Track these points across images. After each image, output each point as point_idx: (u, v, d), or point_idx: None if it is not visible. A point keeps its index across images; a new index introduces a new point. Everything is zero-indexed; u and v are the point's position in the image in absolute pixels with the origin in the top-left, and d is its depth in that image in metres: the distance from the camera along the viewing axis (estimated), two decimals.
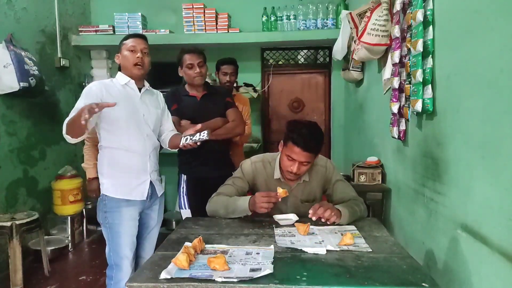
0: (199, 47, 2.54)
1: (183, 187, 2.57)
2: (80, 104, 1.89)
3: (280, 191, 1.76)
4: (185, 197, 2.56)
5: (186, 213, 2.54)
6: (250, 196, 1.83)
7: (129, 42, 2.04)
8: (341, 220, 1.73)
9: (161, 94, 2.29)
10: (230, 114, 2.53)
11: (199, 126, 2.00)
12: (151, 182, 2.08)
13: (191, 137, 1.97)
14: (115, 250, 2.00)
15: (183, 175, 2.57)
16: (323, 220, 1.71)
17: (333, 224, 1.73)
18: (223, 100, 2.56)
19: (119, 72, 2.10)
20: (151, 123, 2.09)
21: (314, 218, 1.70)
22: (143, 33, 4.07)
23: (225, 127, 2.48)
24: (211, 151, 2.41)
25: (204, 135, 1.94)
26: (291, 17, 4.15)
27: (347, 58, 3.51)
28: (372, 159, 2.77)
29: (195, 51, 2.44)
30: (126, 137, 2.00)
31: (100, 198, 2.05)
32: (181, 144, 1.99)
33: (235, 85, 3.40)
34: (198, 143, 1.98)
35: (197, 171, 2.45)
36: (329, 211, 1.69)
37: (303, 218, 1.79)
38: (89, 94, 1.94)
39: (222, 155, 2.53)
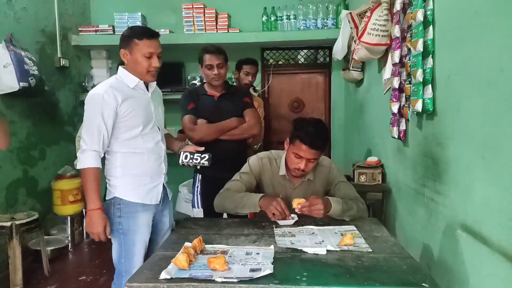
0: (220, 46, 2.47)
1: (197, 186, 2.57)
2: (98, 122, 1.75)
3: (295, 204, 1.74)
4: (199, 196, 2.56)
5: (198, 212, 2.54)
6: (264, 194, 1.85)
7: (146, 46, 1.80)
8: (332, 210, 1.75)
9: (158, 87, 2.12)
10: (246, 114, 2.51)
11: (201, 148, 2.01)
12: (163, 185, 2.00)
13: (192, 156, 1.95)
14: (129, 257, 1.86)
15: (198, 174, 2.57)
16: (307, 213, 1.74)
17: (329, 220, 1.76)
18: (241, 100, 2.54)
19: (124, 71, 1.89)
20: (161, 124, 2.03)
21: (298, 211, 1.74)
22: None
23: (240, 128, 2.46)
24: (227, 151, 2.40)
25: (205, 161, 1.95)
26: (291, 17, 4.15)
27: (347, 58, 3.51)
28: (372, 159, 2.77)
29: (215, 52, 2.41)
30: (141, 141, 1.88)
31: (111, 202, 1.87)
32: (180, 161, 1.96)
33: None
34: (198, 167, 1.99)
35: (212, 170, 2.41)
36: (317, 212, 1.72)
37: (305, 218, 1.78)
38: (105, 106, 1.76)
39: (238, 155, 2.47)
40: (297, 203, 1.73)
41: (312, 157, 1.83)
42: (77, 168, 1.82)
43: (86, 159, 1.76)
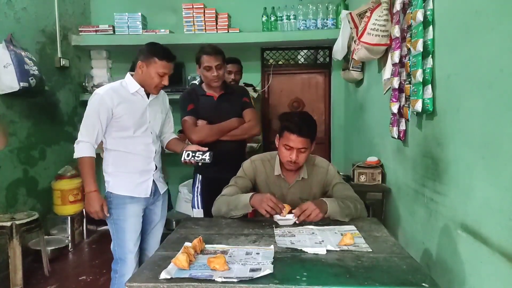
0: (218, 46, 2.46)
1: (197, 187, 2.56)
2: (94, 119, 1.97)
3: (287, 209, 1.75)
4: (199, 196, 2.55)
5: (198, 212, 2.53)
6: (253, 193, 1.84)
7: (162, 67, 2.00)
8: (329, 209, 1.75)
9: (166, 95, 2.32)
10: (246, 114, 2.51)
11: (205, 149, 2.11)
12: (153, 180, 2.16)
13: (193, 154, 2.09)
14: (120, 244, 2.09)
15: (198, 174, 2.57)
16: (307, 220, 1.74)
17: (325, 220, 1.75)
18: (240, 100, 2.54)
19: (130, 77, 2.09)
20: (156, 129, 2.18)
21: (297, 221, 1.74)
22: (143, 33, 4.11)
23: (241, 128, 2.46)
24: (227, 151, 2.40)
25: (206, 158, 2.07)
26: (291, 17, 4.15)
27: (347, 58, 3.51)
28: (372, 159, 2.77)
29: (213, 53, 2.39)
30: (131, 142, 2.08)
31: (105, 196, 2.11)
32: (182, 159, 2.10)
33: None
34: (200, 163, 2.11)
35: (212, 171, 2.41)
36: (313, 213, 1.71)
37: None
38: (103, 106, 1.98)
39: (238, 156, 2.47)
40: (286, 212, 1.74)
41: (301, 146, 1.83)
42: (74, 157, 2.01)
43: (81, 149, 2.00)
